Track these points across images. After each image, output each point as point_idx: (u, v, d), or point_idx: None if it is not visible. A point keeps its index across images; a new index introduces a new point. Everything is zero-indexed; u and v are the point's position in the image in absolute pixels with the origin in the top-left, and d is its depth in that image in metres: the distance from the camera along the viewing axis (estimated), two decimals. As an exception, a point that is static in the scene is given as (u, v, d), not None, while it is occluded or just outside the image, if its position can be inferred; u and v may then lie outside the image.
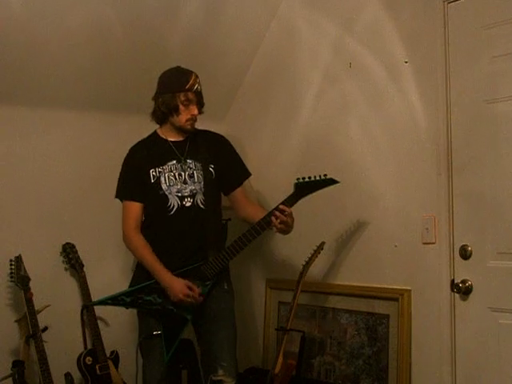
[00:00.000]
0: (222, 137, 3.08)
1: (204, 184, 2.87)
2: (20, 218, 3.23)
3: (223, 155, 2.99)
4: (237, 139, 3.47)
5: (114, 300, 2.85)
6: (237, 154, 3.06)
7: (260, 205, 3.26)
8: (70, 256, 3.32)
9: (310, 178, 2.73)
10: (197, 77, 2.85)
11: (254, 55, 3.64)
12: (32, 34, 2.95)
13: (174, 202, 2.84)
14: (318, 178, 2.72)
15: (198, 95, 2.85)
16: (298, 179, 2.74)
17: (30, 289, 3.07)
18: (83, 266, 3.33)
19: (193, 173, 2.88)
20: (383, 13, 2.95)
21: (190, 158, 2.90)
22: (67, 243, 3.34)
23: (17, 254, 3.12)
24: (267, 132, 3.59)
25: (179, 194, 2.85)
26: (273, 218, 2.72)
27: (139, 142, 2.99)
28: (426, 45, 2.76)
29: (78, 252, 3.34)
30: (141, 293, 2.82)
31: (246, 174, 3.07)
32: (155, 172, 2.87)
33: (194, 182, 2.87)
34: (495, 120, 2.54)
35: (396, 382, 2.82)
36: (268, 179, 3.53)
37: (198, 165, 2.90)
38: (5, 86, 3.07)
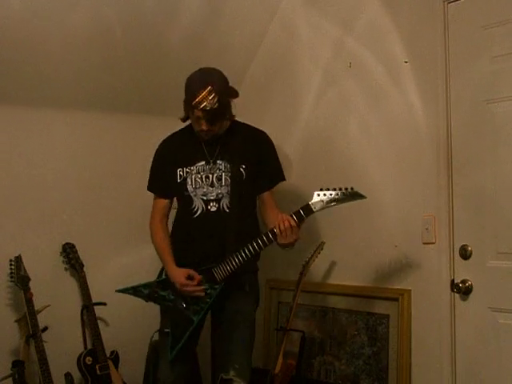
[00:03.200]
0: (262, 134, 2.91)
1: (231, 187, 2.77)
2: (20, 218, 3.23)
3: (257, 155, 2.82)
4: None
5: (134, 290, 2.83)
6: (273, 155, 2.90)
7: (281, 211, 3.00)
8: (70, 256, 3.32)
9: (334, 189, 2.52)
10: (211, 92, 2.60)
11: (254, 55, 3.64)
12: (31, 33, 2.95)
13: (198, 204, 2.78)
14: (343, 190, 2.50)
15: (206, 113, 2.63)
16: (321, 189, 2.53)
17: (29, 289, 3.08)
18: (83, 265, 3.33)
19: (221, 175, 2.77)
20: (383, 13, 2.95)
21: (221, 159, 2.78)
22: (67, 243, 3.34)
23: (17, 254, 3.12)
24: (267, 131, 3.58)
25: (204, 198, 2.77)
26: (282, 229, 2.57)
27: (171, 136, 2.91)
28: (426, 45, 2.76)
29: (78, 252, 3.34)
30: (158, 287, 2.80)
31: (277, 178, 2.90)
32: (182, 172, 2.80)
33: (222, 186, 2.77)
34: (495, 120, 2.54)
35: (396, 382, 2.82)
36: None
37: (228, 166, 2.78)
38: (4, 85, 3.07)
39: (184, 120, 2.82)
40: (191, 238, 2.80)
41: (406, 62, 2.85)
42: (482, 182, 2.57)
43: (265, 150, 2.88)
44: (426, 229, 2.75)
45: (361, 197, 2.51)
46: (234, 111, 2.78)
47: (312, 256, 2.98)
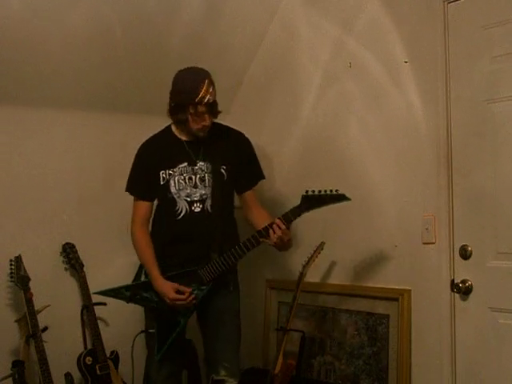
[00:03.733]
0: (240, 135, 2.97)
1: (213, 188, 2.80)
2: (20, 218, 3.23)
3: (238, 155, 2.89)
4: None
5: (115, 292, 2.86)
6: (253, 154, 2.97)
7: (266, 211, 3.05)
8: (70, 256, 3.32)
9: (320, 191, 2.59)
10: (210, 84, 2.68)
11: (254, 55, 3.64)
12: (32, 33, 2.95)
13: (182, 206, 2.80)
14: (328, 192, 2.57)
15: (210, 106, 2.70)
16: (307, 191, 2.63)
17: (29, 289, 3.07)
18: (83, 265, 3.33)
19: (204, 176, 2.81)
20: (383, 13, 2.95)
21: (203, 160, 2.82)
22: (67, 243, 3.34)
23: (17, 254, 3.12)
24: (268, 131, 3.59)
25: (188, 199, 2.80)
26: (271, 232, 2.65)
27: (152, 138, 2.92)
28: (426, 45, 2.76)
29: (78, 252, 3.34)
30: (140, 288, 2.83)
31: (259, 177, 2.99)
32: (165, 174, 2.82)
33: (205, 186, 2.80)
34: (495, 120, 2.54)
35: (396, 382, 2.82)
36: (269, 178, 3.52)
37: (210, 167, 2.81)
38: (4, 85, 3.07)
39: (178, 122, 2.80)
40: (176, 239, 2.82)
41: (405, 62, 2.85)
42: (482, 182, 2.57)
43: (245, 151, 2.94)
44: (426, 229, 2.75)
45: (346, 199, 2.56)
46: None
47: (312, 256, 2.98)
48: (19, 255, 3.12)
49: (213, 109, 2.73)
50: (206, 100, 2.67)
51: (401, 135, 2.89)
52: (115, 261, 3.46)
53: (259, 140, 3.62)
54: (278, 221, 2.64)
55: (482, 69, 2.58)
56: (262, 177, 3.00)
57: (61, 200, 3.35)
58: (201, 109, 2.68)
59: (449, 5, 2.69)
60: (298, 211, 2.63)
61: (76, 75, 3.22)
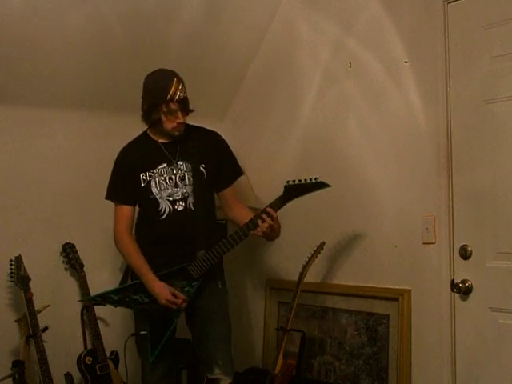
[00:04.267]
0: (215, 134, 3.00)
1: (194, 186, 2.83)
2: (20, 218, 3.23)
3: (215, 154, 2.92)
4: (237, 138, 3.47)
5: (102, 297, 2.85)
6: (230, 152, 3.00)
7: (248, 207, 3.13)
8: (70, 256, 3.32)
9: (300, 180, 2.68)
10: (179, 82, 2.73)
11: (254, 54, 3.64)
12: (31, 32, 2.95)
13: (165, 206, 2.81)
14: (308, 180, 2.67)
15: (182, 103, 2.74)
16: (288, 181, 2.71)
17: (30, 289, 3.08)
18: (83, 265, 3.33)
19: (184, 175, 2.83)
20: (383, 13, 2.95)
21: (182, 160, 2.85)
22: (67, 243, 3.35)
23: (17, 254, 3.12)
24: (268, 131, 3.59)
25: (170, 199, 2.81)
26: (259, 221, 2.68)
27: (130, 144, 2.95)
28: (426, 45, 2.76)
29: (78, 252, 3.35)
30: (128, 291, 2.82)
31: (238, 173, 3.01)
32: (145, 176, 2.84)
33: (186, 185, 2.83)
34: (495, 120, 2.54)
35: (396, 382, 2.82)
36: (269, 178, 3.53)
37: (190, 166, 2.84)
38: (3, 84, 3.07)
39: (153, 123, 2.82)
40: (160, 239, 2.82)
41: (405, 62, 2.85)
42: (482, 182, 2.57)
43: (222, 149, 2.97)
44: (426, 229, 2.75)
45: (325, 186, 2.67)
46: None
47: (312, 256, 2.98)
48: (19, 255, 3.12)
49: (185, 106, 2.76)
50: (177, 97, 2.71)
51: (401, 135, 2.89)
52: (115, 261, 3.46)
53: (259, 140, 3.63)
54: (269, 209, 2.69)
55: (482, 69, 2.58)
56: (241, 173, 3.04)
57: (61, 200, 3.35)
58: (173, 106, 2.72)
59: (449, 5, 2.69)
60: (281, 200, 2.71)
61: (76, 75, 3.22)
